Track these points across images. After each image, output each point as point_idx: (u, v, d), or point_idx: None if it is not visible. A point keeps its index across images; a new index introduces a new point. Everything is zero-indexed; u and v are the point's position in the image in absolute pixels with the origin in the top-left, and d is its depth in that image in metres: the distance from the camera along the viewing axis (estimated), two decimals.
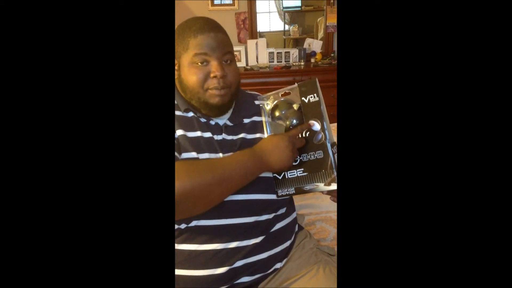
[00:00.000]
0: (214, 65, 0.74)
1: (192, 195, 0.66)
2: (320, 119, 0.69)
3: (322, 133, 0.69)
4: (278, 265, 0.84)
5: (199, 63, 0.74)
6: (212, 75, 0.74)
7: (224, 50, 0.76)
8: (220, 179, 0.69)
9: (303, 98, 0.71)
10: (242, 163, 0.71)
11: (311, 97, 0.70)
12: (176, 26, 0.78)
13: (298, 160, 0.72)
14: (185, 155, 0.74)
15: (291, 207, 0.91)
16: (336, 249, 0.98)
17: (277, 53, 2.96)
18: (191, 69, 0.75)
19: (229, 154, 0.76)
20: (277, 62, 2.97)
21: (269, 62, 2.96)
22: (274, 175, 0.75)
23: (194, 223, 0.75)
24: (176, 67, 0.79)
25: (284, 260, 0.85)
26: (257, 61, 2.96)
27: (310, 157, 0.70)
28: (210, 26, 0.75)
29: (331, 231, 1.19)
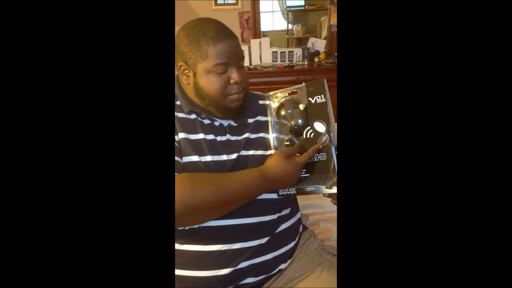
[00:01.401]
0: (234, 72, 0.75)
1: (194, 211, 0.67)
2: (325, 120, 0.69)
3: (326, 135, 0.68)
4: (282, 266, 0.84)
5: (219, 72, 0.74)
6: (232, 81, 0.75)
7: (239, 56, 0.77)
8: (224, 199, 0.69)
9: (310, 99, 0.70)
10: (248, 185, 0.71)
11: (318, 98, 0.69)
12: (182, 28, 0.78)
13: None
14: (186, 159, 0.74)
15: (295, 208, 0.91)
16: None
17: (281, 52, 2.96)
18: (210, 77, 0.75)
19: (236, 170, 0.76)
20: (281, 61, 2.96)
21: (273, 61, 2.96)
22: None
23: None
24: (186, 71, 0.78)
25: (289, 261, 0.85)
26: (261, 61, 2.96)
27: (314, 159, 0.69)
28: (226, 32, 0.75)
29: (335, 231, 1.18)
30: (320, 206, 1.31)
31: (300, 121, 0.72)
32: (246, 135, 0.81)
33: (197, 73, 0.76)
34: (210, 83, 0.75)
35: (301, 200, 1.32)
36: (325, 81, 0.69)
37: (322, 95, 0.69)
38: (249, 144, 0.80)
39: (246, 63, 2.92)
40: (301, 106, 0.74)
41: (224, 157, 0.77)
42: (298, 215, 0.91)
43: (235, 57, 0.75)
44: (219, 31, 0.74)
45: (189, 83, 0.79)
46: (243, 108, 0.81)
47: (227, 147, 0.79)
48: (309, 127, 0.70)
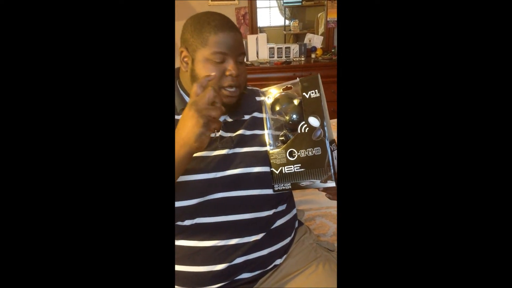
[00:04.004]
0: (230, 64, 0.74)
1: None
2: (320, 115, 0.69)
3: (321, 129, 0.68)
4: (277, 261, 0.84)
5: (216, 61, 0.74)
6: (227, 73, 0.75)
7: (239, 50, 0.76)
8: None
9: (304, 94, 0.70)
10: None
11: (312, 92, 0.69)
12: (190, 17, 0.78)
13: (296, 155, 0.71)
14: None
15: (291, 204, 0.91)
16: (335, 244, 0.98)
17: (278, 48, 2.95)
18: (206, 65, 0.74)
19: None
20: (278, 57, 2.95)
21: (270, 57, 2.95)
22: (271, 169, 0.74)
23: (194, 220, 0.75)
24: (186, 59, 0.78)
25: (284, 256, 0.85)
26: (258, 57, 2.95)
27: (308, 153, 0.69)
28: (229, 24, 0.76)
29: (331, 226, 1.19)
30: (316, 202, 1.31)
31: (294, 116, 0.72)
32: (240, 131, 0.81)
33: (195, 60, 0.76)
34: (205, 71, 0.74)
35: (297, 196, 1.32)
36: (319, 76, 0.69)
37: (316, 90, 0.69)
38: (243, 141, 0.80)
39: None
40: (296, 101, 0.73)
41: (214, 153, 0.77)
42: (294, 211, 0.91)
43: (234, 50, 0.75)
44: (223, 22, 0.75)
45: (187, 71, 0.78)
46: (237, 105, 0.81)
47: (218, 143, 0.78)
48: (304, 122, 0.70)
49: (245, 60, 2.92)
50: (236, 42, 0.75)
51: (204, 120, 0.57)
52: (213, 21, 0.74)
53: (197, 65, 0.76)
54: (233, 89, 0.76)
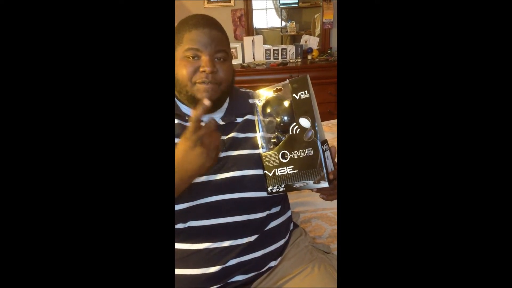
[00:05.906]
0: (204, 60, 0.74)
1: None
2: (310, 116, 0.68)
3: (312, 130, 0.68)
4: (272, 264, 0.83)
5: (190, 57, 0.74)
6: (201, 69, 0.74)
7: (217, 47, 0.75)
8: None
9: (294, 95, 0.70)
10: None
11: (302, 93, 0.69)
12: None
13: (289, 157, 0.71)
14: None
15: (285, 206, 0.90)
16: (331, 246, 0.98)
17: (274, 50, 2.95)
18: (181, 62, 0.75)
19: None
20: (274, 59, 2.96)
21: (266, 59, 2.96)
22: (264, 172, 0.74)
23: (187, 224, 0.75)
24: None
25: (279, 259, 0.85)
26: (254, 58, 2.96)
27: (300, 155, 0.69)
28: (206, 22, 0.76)
29: (327, 228, 1.18)
30: (312, 203, 1.30)
31: (285, 118, 0.72)
32: (232, 134, 0.80)
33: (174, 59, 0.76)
34: (180, 68, 0.75)
35: (293, 198, 1.32)
36: (308, 76, 0.69)
37: (306, 91, 0.68)
38: (235, 144, 0.80)
39: (239, 60, 2.91)
40: (286, 103, 0.73)
41: None
42: (288, 213, 0.91)
43: (209, 46, 0.74)
44: (200, 21, 0.76)
45: None
46: (218, 104, 0.79)
47: None
48: (295, 123, 0.70)
49: (242, 61, 2.93)
50: (212, 39, 0.75)
51: (205, 144, 0.62)
52: (191, 20, 0.76)
53: (175, 64, 0.76)
54: (209, 85, 0.75)
